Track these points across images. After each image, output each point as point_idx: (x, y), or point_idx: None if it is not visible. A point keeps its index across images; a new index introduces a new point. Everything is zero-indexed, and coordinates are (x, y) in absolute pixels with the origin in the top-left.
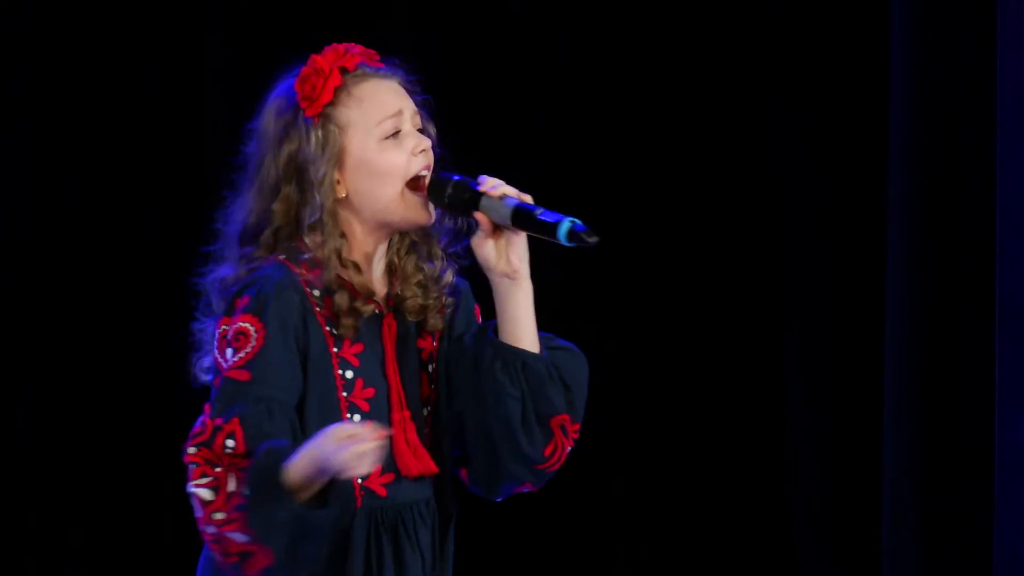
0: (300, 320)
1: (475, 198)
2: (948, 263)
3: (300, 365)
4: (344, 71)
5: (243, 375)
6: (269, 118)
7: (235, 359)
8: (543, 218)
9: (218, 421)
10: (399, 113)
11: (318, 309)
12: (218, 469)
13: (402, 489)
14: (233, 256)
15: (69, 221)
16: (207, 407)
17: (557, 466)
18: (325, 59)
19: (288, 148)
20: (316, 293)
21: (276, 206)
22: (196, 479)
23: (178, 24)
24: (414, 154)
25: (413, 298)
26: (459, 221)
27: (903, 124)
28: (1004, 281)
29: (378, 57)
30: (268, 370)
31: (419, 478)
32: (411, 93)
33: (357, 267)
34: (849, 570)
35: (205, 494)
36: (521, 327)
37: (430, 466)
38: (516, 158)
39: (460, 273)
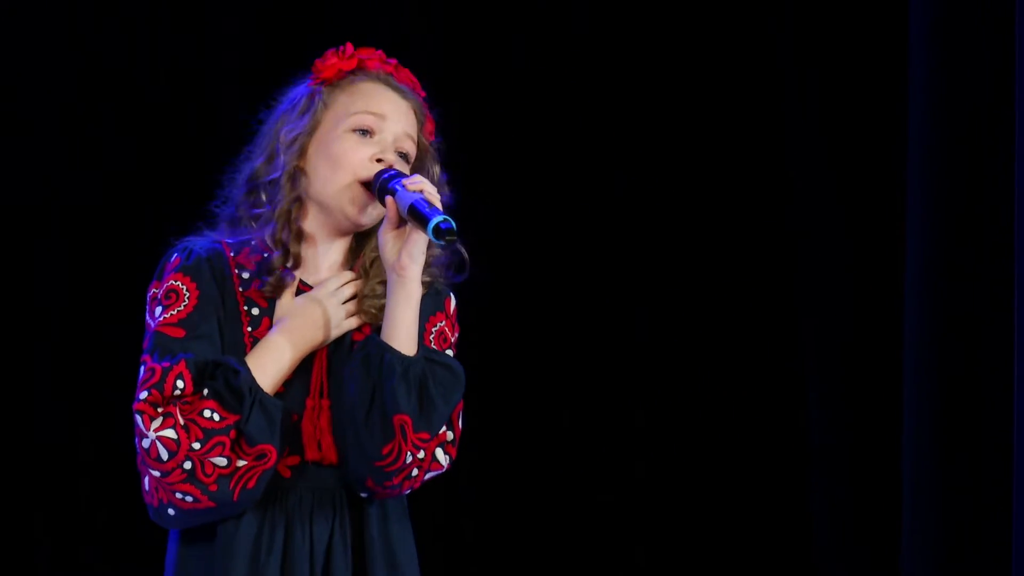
0: (219, 293)
1: (394, 188)
2: (967, 263)
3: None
4: (362, 66)
5: (177, 332)
6: (288, 90)
7: (167, 315)
8: (424, 211)
9: (165, 364)
10: (381, 116)
11: (240, 290)
12: (168, 408)
13: (306, 474)
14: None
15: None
16: (147, 357)
17: (395, 468)
18: (352, 47)
19: (284, 112)
20: (245, 276)
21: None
22: (153, 426)
23: None
24: (371, 160)
25: None
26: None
27: (922, 125)
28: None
29: (415, 84)
30: (203, 326)
31: (328, 467)
32: (421, 125)
33: (300, 236)
34: (868, 573)
35: (171, 434)
36: (396, 326)
37: (329, 456)
38: (517, 156)
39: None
